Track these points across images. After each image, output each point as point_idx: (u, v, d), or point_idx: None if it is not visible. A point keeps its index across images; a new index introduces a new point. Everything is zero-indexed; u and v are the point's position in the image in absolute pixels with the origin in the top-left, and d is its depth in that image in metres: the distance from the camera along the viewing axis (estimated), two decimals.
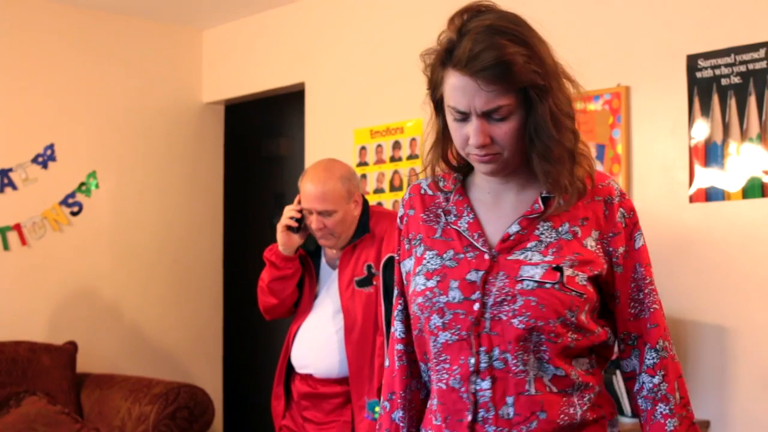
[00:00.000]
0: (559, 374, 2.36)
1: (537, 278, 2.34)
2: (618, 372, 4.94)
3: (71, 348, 6.69)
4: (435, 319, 2.41)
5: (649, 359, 2.48)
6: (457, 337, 2.37)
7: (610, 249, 2.45)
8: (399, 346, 2.63)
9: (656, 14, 5.33)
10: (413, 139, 6.39)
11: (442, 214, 2.53)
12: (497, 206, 2.49)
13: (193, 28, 7.55)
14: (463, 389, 2.37)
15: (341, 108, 6.96)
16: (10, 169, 6.94)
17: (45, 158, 7.07)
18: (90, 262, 7.20)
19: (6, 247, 6.88)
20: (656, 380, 2.46)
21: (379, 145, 6.56)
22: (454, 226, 2.49)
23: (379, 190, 6.57)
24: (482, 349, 2.34)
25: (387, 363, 2.71)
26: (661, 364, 2.47)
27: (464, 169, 2.56)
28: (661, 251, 5.27)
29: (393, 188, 6.50)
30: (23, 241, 6.95)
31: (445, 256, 2.46)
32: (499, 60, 2.27)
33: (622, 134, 5.36)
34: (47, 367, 6.46)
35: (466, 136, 2.34)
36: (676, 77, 5.22)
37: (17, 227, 6.94)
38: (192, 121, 7.69)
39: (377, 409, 4.41)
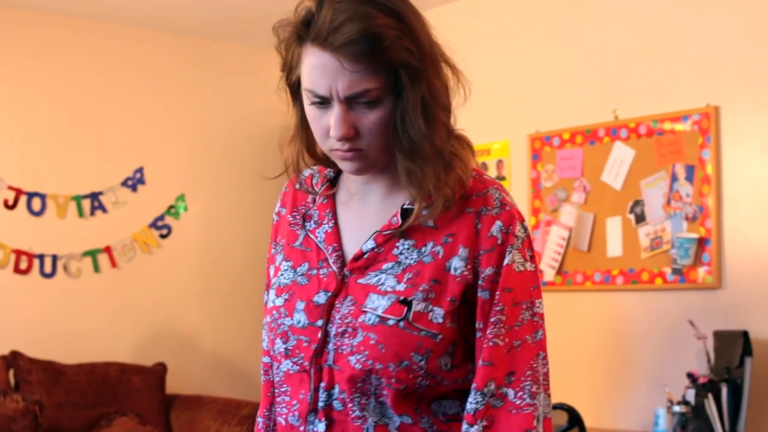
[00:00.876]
0: (407, 422, 1.96)
1: (380, 312, 1.94)
2: (710, 395, 4.87)
3: (161, 369, 6.75)
4: (279, 343, 2.06)
5: (471, 403, 1.94)
6: (298, 368, 2.02)
7: (479, 270, 1.96)
8: (265, 359, 2.24)
9: (746, 33, 5.27)
10: (500, 161, 6.36)
11: (303, 219, 2.15)
12: (361, 213, 2.09)
13: None
14: (301, 428, 2.01)
15: None
16: (101, 193, 7.03)
17: (134, 181, 7.15)
18: (179, 283, 7.27)
19: (97, 269, 6.96)
20: (473, 431, 1.93)
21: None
22: (312, 236, 2.10)
23: None
24: (322, 384, 1.98)
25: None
26: (485, 412, 1.93)
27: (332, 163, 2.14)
28: (752, 273, 5.19)
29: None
30: (113, 264, 7.03)
31: (299, 269, 2.09)
32: (366, 32, 1.86)
33: (712, 155, 5.29)
34: (137, 388, 6.52)
35: (327, 127, 1.94)
36: (767, 96, 5.14)
37: (107, 250, 7.02)
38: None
39: None
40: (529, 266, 2.01)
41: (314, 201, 2.15)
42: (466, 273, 1.96)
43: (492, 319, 1.96)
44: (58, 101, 6.91)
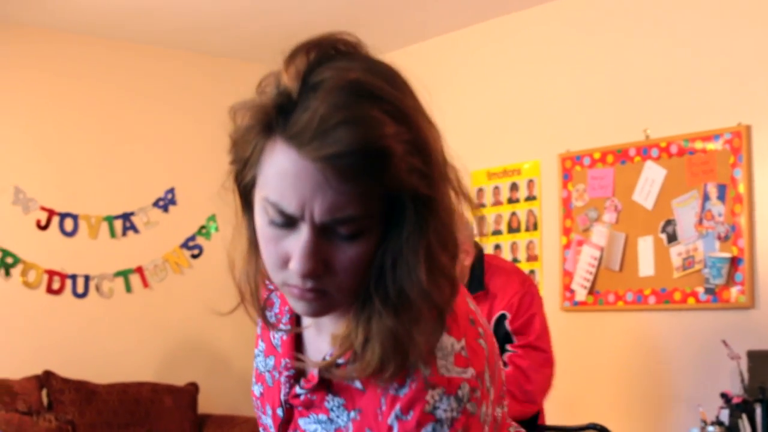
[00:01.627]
0: None
1: None
2: (744, 416, 4.83)
3: (193, 389, 6.76)
4: (264, 419, 1.75)
5: None
6: None
7: None
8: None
9: None
10: (531, 181, 6.35)
11: (263, 307, 1.66)
12: (317, 331, 1.63)
13: None
14: None
15: (458, 150, 6.94)
16: (133, 213, 7.06)
17: (166, 202, 7.18)
18: (210, 303, 7.27)
19: (129, 289, 6.99)
20: None
21: (496, 187, 6.53)
22: (270, 335, 1.72)
23: (497, 232, 6.54)
24: None
25: None
26: None
27: None
28: None
29: (511, 230, 6.46)
30: (145, 284, 7.05)
31: (267, 361, 1.72)
32: (368, 145, 1.34)
33: (744, 174, 5.27)
34: (169, 407, 6.53)
35: (285, 256, 1.43)
36: None
37: (139, 270, 7.05)
38: None
39: None
40: None
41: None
42: None
43: None
44: (91, 122, 6.95)
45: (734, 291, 5.30)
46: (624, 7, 5.95)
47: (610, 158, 5.90)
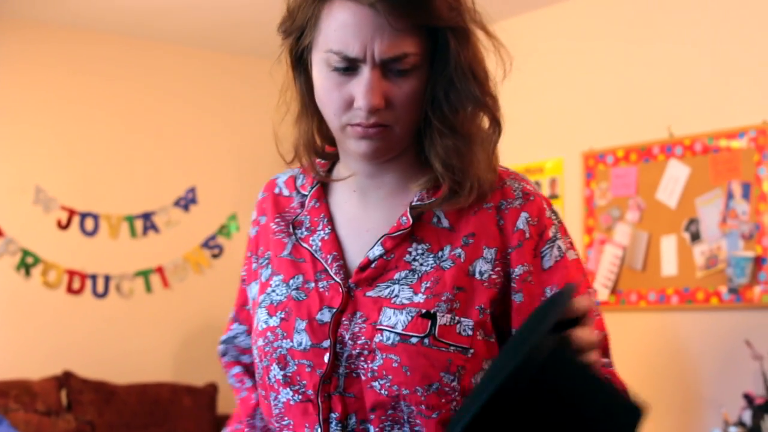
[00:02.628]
0: None
1: (399, 329, 1.66)
2: (767, 416, 4.79)
3: (212, 390, 6.75)
4: (275, 370, 1.76)
5: None
6: (301, 397, 1.73)
7: (509, 270, 1.71)
8: (236, 369, 2.02)
9: None
10: (553, 179, 6.31)
11: (292, 226, 1.84)
12: (364, 215, 1.81)
13: None
14: None
15: None
16: (153, 213, 7.06)
17: (186, 201, 7.18)
18: (230, 303, 7.25)
19: (149, 289, 6.98)
20: None
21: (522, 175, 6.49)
22: (305, 244, 1.81)
23: None
24: (333, 416, 1.70)
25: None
26: None
27: (330, 159, 1.88)
28: None
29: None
30: (165, 284, 7.04)
31: (291, 283, 1.79)
32: None
33: None
34: (188, 408, 6.53)
35: (349, 98, 1.67)
36: None
37: (160, 270, 7.04)
38: None
39: None
40: (574, 255, 1.77)
41: (302, 205, 1.86)
42: (494, 276, 1.71)
43: None
44: (112, 121, 6.95)
45: (758, 290, 5.25)
46: (648, 4, 5.91)
47: (633, 156, 5.86)
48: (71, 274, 6.75)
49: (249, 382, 1.97)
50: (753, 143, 5.29)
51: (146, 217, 7.04)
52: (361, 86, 1.64)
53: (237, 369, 2.01)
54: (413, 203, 1.74)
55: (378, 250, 1.73)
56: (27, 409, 5.91)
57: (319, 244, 1.79)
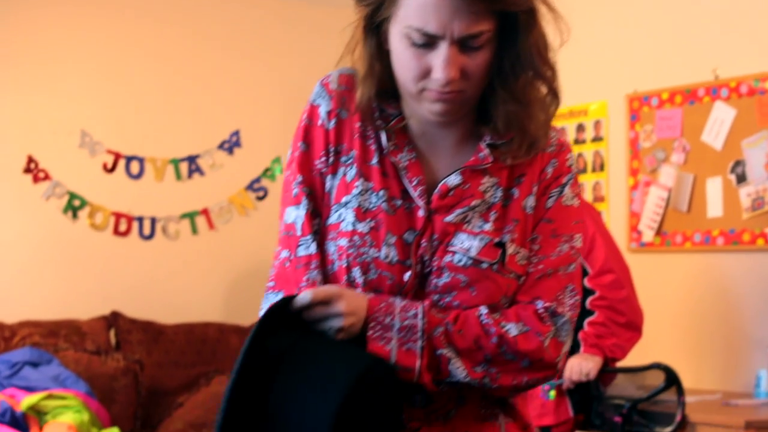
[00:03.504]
0: None
1: (473, 254, 1.90)
2: None
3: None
4: (356, 272, 1.94)
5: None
6: None
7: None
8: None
9: None
10: (598, 122, 6.29)
11: (383, 136, 1.98)
12: (434, 154, 2.00)
13: None
14: None
15: None
16: (198, 156, 7.09)
17: (231, 144, 7.20)
18: (275, 245, 7.29)
19: (195, 231, 7.03)
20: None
21: (563, 128, 6.47)
22: (393, 158, 1.97)
23: None
24: None
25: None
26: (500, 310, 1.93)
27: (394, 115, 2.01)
28: None
29: (577, 171, 6.40)
30: (211, 226, 7.09)
31: (381, 194, 1.95)
32: None
33: None
34: (235, 347, 6.58)
35: (426, 68, 1.86)
36: None
37: (205, 212, 7.08)
38: None
39: None
40: (575, 202, 2.03)
41: (385, 120, 1.99)
42: (534, 208, 1.98)
43: (528, 249, 1.98)
44: (157, 65, 6.97)
45: None
46: None
47: (678, 99, 5.83)
48: (117, 216, 6.80)
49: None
50: None
51: (191, 160, 7.07)
52: (439, 60, 1.84)
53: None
54: (487, 142, 1.95)
55: (456, 179, 1.94)
56: (76, 348, 6.00)
57: (406, 164, 1.96)
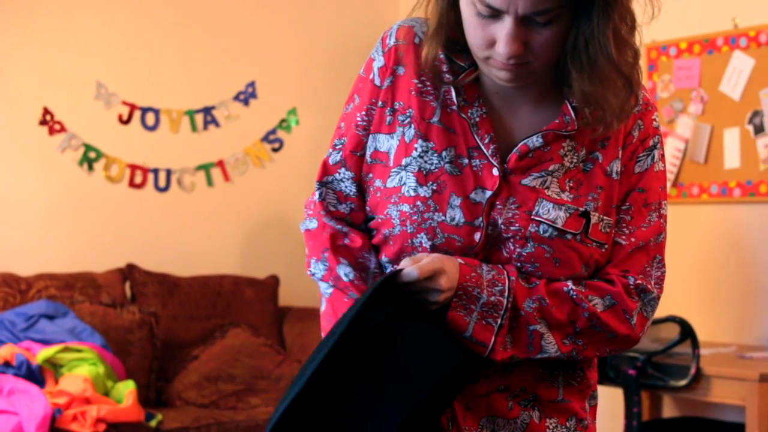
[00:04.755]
0: None
1: (559, 224, 1.85)
2: None
3: (273, 282, 6.81)
4: (422, 238, 1.89)
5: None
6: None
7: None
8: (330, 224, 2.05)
9: None
10: None
11: (452, 91, 1.91)
12: (510, 110, 1.93)
13: None
14: None
15: None
16: (213, 107, 7.07)
17: (246, 96, 7.17)
18: (291, 197, 7.29)
19: (210, 183, 7.02)
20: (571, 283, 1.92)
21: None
22: (464, 114, 1.90)
23: None
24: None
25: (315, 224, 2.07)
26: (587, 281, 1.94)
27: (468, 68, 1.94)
28: None
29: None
30: (226, 177, 7.08)
31: (444, 154, 1.89)
32: None
33: None
34: (250, 300, 6.60)
35: (491, 39, 1.79)
36: None
37: (220, 164, 7.07)
38: None
39: None
40: (662, 166, 1.99)
41: (454, 74, 1.92)
42: (621, 173, 1.92)
43: (618, 218, 1.93)
44: (171, 15, 6.94)
45: None
46: None
47: (696, 48, 5.78)
48: (133, 168, 6.80)
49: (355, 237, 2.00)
50: None
51: (206, 111, 7.05)
52: (503, 33, 1.76)
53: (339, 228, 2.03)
54: (573, 104, 1.87)
55: (537, 141, 1.88)
56: (92, 300, 6.01)
57: (477, 119, 1.89)
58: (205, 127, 7.05)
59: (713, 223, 5.71)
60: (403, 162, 1.91)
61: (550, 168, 1.87)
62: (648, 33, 5.82)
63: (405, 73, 1.93)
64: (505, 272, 1.86)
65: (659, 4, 1.94)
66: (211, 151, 7.04)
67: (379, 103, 1.95)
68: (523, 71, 1.81)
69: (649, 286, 1.93)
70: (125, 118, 6.79)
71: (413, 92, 1.92)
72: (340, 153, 2.04)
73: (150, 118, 6.87)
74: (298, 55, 7.33)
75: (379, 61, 1.97)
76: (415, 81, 1.93)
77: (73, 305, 5.88)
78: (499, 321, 1.83)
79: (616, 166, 1.91)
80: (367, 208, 2.01)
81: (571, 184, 1.87)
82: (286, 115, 7.30)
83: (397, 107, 1.94)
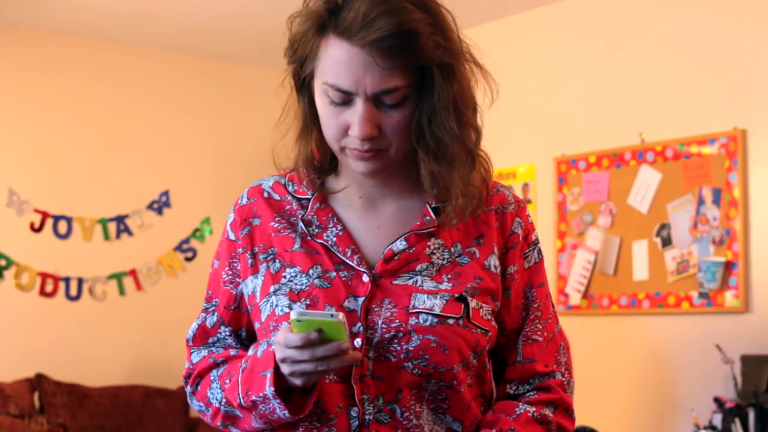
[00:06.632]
0: (456, 429, 1.89)
1: (437, 311, 1.84)
2: (737, 420, 4.82)
3: (185, 393, 6.74)
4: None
5: (528, 384, 1.97)
6: (335, 378, 1.85)
7: (505, 268, 1.96)
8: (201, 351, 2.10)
9: None
10: (526, 184, 6.34)
11: (301, 224, 1.95)
12: (373, 215, 1.97)
13: None
14: None
15: None
16: (127, 216, 7.05)
17: (160, 204, 7.17)
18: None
19: (122, 292, 6.97)
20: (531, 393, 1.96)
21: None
22: (320, 240, 1.93)
23: None
24: (365, 396, 1.84)
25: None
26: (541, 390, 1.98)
27: (324, 170, 2.00)
28: None
29: None
30: (138, 287, 7.04)
31: (311, 272, 1.91)
32: (402, 28, 1.78)
33: (739, 178, 5.26)
34: (161, 411, 6.52)
35: (345, 125, 1.83)
36: None
37: (133, 273, 7.03)
38: None
39: None
40: (541, 259, 2.02)
41: (302, 207, 1.97)
42: (500, 270, 1.94)
43: (531, 316, 1.97)
44: (85, 124, 6.94)
45: (728, 295, 5.29)
46: (619, 11, 5.95)
47: (605, 162, 5.90)
48: (44, 276, 6.74)
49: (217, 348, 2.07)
50: (723, 149, 5.33)
51: (120, 220, 7.03)
52: (355, 117, 1.81)
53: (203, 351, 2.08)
54: (432, 205, 1.92)
55: (402, 245, 1.90)
56: None
57: (334, 239, 1.92)
58: (118, 236, 7.02)
59: (623, 334, 5.77)
60: (271, 289, 1.92)
61: (417, 268, 1.89)
62: (558, 146, 5.98)
63: (261, 222, 1.99)
64: None
65: (497, 87, 1.98)
66: (123, 260, 7.01)
67: (239, 250, 2.00)
68: (379, 160, 1.85)
69: (567, 376, 1.98)
70: (37, 225, 6.74)
71: (272, 233, 1.97)
72: (215, 314, 2.06)
73: (62, 226, 6.83)
74: (212, 164, 7.36)
75: (231, 219, 2.05)
76: (273, 224, 1.98)
77: None
78: None
79: (493, 261, 1.93)
80: None
81: (449, 276, 1.89)
82: (199, 224, 7.30)
83: (257, 250, 1.98)
